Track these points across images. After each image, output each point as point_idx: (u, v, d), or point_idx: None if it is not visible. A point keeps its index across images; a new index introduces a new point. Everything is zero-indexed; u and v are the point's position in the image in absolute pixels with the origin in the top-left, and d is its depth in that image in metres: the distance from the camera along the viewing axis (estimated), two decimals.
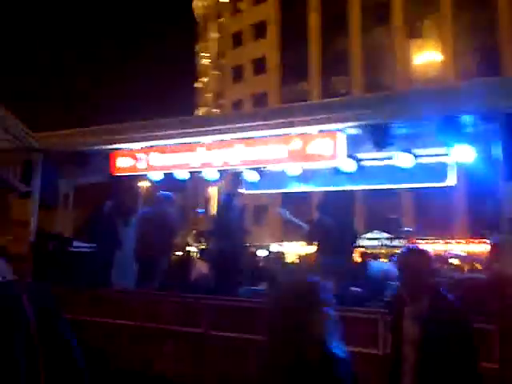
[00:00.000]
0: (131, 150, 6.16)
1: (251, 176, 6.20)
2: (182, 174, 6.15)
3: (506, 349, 3.79)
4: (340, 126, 5.04)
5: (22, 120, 5.96)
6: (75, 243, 6.46)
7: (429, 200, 26.70)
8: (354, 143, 5.34)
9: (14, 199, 5.29)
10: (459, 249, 23.22)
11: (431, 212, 28.30)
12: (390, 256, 15.69)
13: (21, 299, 1.71)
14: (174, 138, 5.82)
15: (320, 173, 6.52)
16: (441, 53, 32.80)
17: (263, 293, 5.91)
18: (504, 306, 3.86)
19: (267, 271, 8.12)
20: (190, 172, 6.09)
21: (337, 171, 6.03)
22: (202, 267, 8.80)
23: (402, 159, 5.69)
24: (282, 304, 2.15)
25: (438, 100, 4.81)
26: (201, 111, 49.78)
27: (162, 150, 6.00)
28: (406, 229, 25.90)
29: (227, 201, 6.57)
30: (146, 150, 6.07)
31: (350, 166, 5.79)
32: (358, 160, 6.05)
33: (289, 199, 13.01)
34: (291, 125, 5.18)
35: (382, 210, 29.72)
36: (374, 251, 21.58)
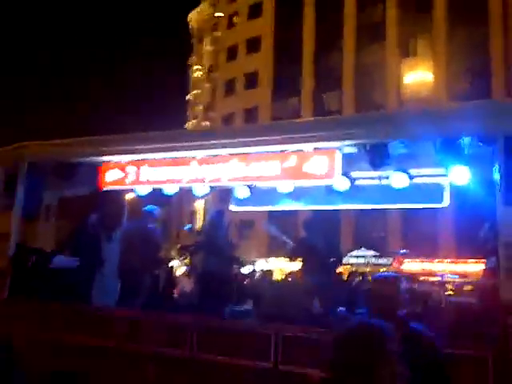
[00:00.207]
0: (120, 162, 5.96)
1: (242, 192, 6.05)
2: (171, 189, 5.97)
3: (503, 377, 3.66)
4: (337, 144, 4.91)
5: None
6: (56, 258, 6.22)
7: (416, 219, 26.74)
8: (348, 162, 5.22)
9: None
10: (449, 268, 23.23)
11: (419, 231, 28.33)
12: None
13: None
14: (165, 151, 5.64)
15: (312, 191, 6.40)
16: (433, 72, 33.12)
17: (249, 313, 5.75)
18: (504, 334, 3.72)
19: (253, 289, 7.96)
20: (180, 188, 5.92)
21: (330, 190, 5.92)
22: (185, 284, 8.60)
23: (397, 179, 5.59)
24: (345, 359, 1.83)
25: (436, 121, 4.71)
26: (190, 124, 49.71)
27: (152, 163, 5.81)
28: (402, 251, 25.69)
29: (217, 218, 6.41)
30: (136, 164, 5.87)
31: (344, 185, 5.68)
32: (353, 179, 5.95)
33: (275, 215, 12.87)
34: (287, 141, 5.04)
35: (369, 227, 29.73)
36: (360, 269, 21.53)
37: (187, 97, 53.18)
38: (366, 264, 26.41)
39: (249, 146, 5.27)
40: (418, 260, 25.79)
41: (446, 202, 6.23)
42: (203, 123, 45.76)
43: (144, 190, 6.05)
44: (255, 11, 41.67)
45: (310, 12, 38.40)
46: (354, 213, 18.58)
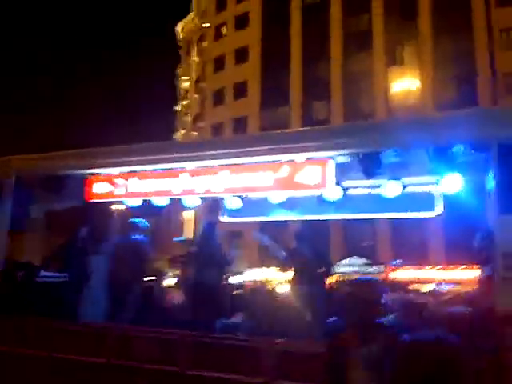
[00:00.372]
0: (109, 175, 5.86)
1: (233, 203, 5.98)
2: (161, 201, 5.88)
3: None
4: (330, 153, 4.86)
5: None
6: (43, 273, 6.10)
7: (406, 227, 26.79)
8: (340, 171, 5.18)
9: None
10: (440, 276, 23.23)
11: (408, 239, 28.37)
12: None
13: None
14: (154, 163, 5.56)
15: (303, 201, 6.35)
16: (420, 80, 33.41)
17: (240, 326, 5.65)
18: (502, 345, 3.67)
19: (243, 301, 7.85)
20: (171, 199, 5.83)
21: (321, 199, 5.88)
22: (176, 296, 8.46)
23: (390, 188, 5.56)
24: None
25: (429, 129, 4.69)
26: (179, 134, 49.62)
27: (142, 175, 5.72)
28: (397, 261, 25.65)
29: (209, 230, 6.33)
30: (125, 176, 5.78)
31: (336, 195, 5.64)
32: (345, 188, 5.92)
33: (264, 225, 12.79)
34: (279, 152, 4.98)
35: (359, 236, 29.75)
36: (351, 278, 21.46)
37: (175, 107, 53.12)
38: (357, 273, 26.37)
39: (240, 156, 5.21)
40: (408, 268, 25.71)
41: (438, 210, 6.21)
42: (192, 133, 45.68)
43: (134, 201, 5.95)
44: (242, 22, 41.83)
45: (297, 21, 38.64)
46: (343, 221, 18.57)
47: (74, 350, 5.11)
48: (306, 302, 5.73)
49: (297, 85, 37.59)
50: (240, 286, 13.17)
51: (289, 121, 36.20)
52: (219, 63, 42.93)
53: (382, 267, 27.63)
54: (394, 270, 25.97)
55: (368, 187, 6.20)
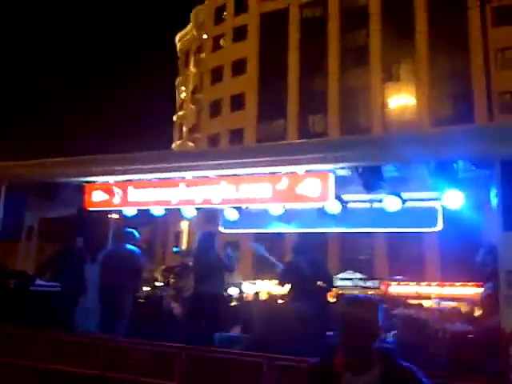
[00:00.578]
0: (106, 183, 5.78)
1: (231, 214, 5.91)
2: (158, 211, 5.80)
3: None
4: (330, 166, 4.81)
5: None
6: (38, 282, 5.98)
7: (403, 241, 26.74)
8: (340, 184, 5.13)
9: None
10: (437, 292, 23.09)
11: (405, 253, 28.30)
12: None
13: None
14: (152, 172, 5.49)
15: (303, 213, 6.29)
16: (416, 97, 33.58)
17: (238, 340, 5.56)
18: (506, 364, 3.59)
19: (241, 313, 7.75)
20: (167, 209, 5.75)
21: (320, 212, 5.81)
22: (172, 308, 8.33)
23: (390, 202, 5.51)
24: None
25: (430, 145, 4.65)
26: (175, 145, 49.55)
27: (140, 185, 5.64)
28: (397, 277, 25.34)
29: (207, 240, 6.24)
30: (122, 185, 5.70)
31: (336, 208, 5.58)
32: (344, 202, 5.86)
33: (261, 237, 12.70)
34: (278, 163, 4.93)
35: (355, 249, 29.68)
36: (347, 292, 21.27)
37: (174, 118, 53.15)
38: (354, 287, 26.22)
39: (239, 167, 5.15)
40: (406, 283, 25.49)
41: (439, 226, 6.16)
42: (188, 144, 45.64)
43: (131, 210, 5.88)
44: (240, 34, 42.04)
45: (295, 35, 38.85)
46: (340, 234, 18.50)
47: (68, 362, 5.00)
48: (302, 317, 5.63)
49: (294, 98, 37.70)
50: (237, 298, 13.04)
51: (285, 134, 36.24)
52: (216, 75, 43.05)
53: (377, 282, 27.48)
54: (390, 284, 25.80)
55: (368, 201, 6.16)
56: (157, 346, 4.85)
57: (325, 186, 4.88)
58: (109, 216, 6.95)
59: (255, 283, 28.61)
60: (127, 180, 5.69)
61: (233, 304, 10.21)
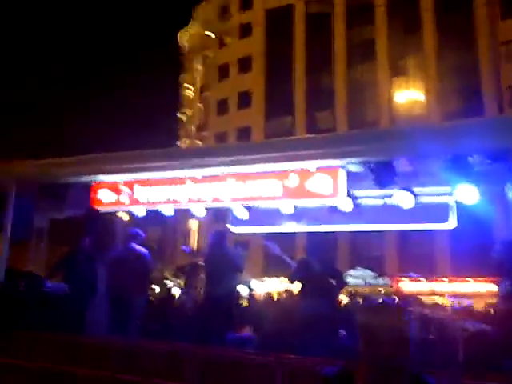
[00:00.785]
0: (114, 182, 5.72)
1: (241, 213, 5.83)
2: (168, 210, 5.73)
3: None
4: (341, 162, 4.72)
5: None
6: (48, 283, 5.94)
7: (414, 237, 26.51)
8: (351, 180, 5.04)
9: None
10: (450, 288, 22.78)
11: (416, 249, 28.06)
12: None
13: None
14: (160, 170, 5.42)
15: (313, 211, 6.19)
16: (424, 91, 33.31)
17: (250, 341, 5.48)
18: None
19: (252, 313, 7.68)
20: (177, 208, 5.68)
21: (331, 210, 5.72)
22: (184, 307, 8.27)
23: (403, 198, 5.40)
24: None
25: (445, 138, 4.55)
26: (182, 143, 49.56)
27: (148, 183, 5.58)
28: (410, 274, 24.97)
29: (218, 240, 6.16)
30: (130, 184, 5.64)
31: (347, 205, 5.47)
32: (355, 198, 5.76)
33: (272, 235, 12.58)
34: (288, 159, 4.84)
35: (365, 246, 29.50)
36: (358, 290, 21.05)
37: (179, 116, 53.10)
38: (365, 284, 25.97)
39: (248, 164, 5.07)
40: (417, 279, 25.06)
41: (453, 222, 6.03)
42: (196, 142, 45.62)
43: (140, 210, 5.82)
44: (246, 31, 41.91)
45: (301, 31, 38.66)
46: (350, 231, 18.33)
47: (78, 364, 4.95)
48: (314, 315, 5.55)
49: (301, 94, 37.54)
50: (247, 296, 12.97)
51: (293, 130, 36.09)
52: (223, 72, 42.96)
53: (388, 279, 27.21)
54: (400, 281, 25.50)
55: (380, 197, 6.04)
56: (167, 347, 4.78)
57: (336, 182, 4.79)
58: (118, 216, 6.89)
59: (265, 281, 28.51)
60: (136, 179, 5.63)
61: (243, 303, 10.14)
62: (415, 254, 28.03)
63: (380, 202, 6.07)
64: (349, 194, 5.42)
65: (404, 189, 5.38)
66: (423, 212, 5.90)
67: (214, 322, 5.51)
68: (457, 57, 31.94)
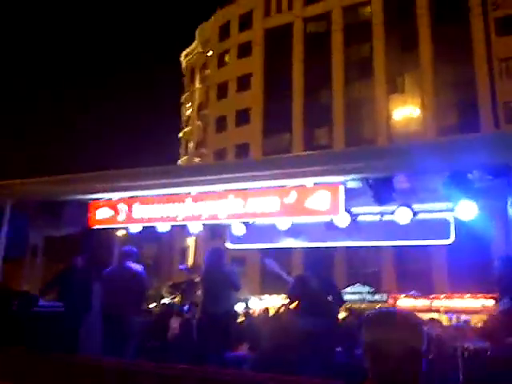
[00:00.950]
0: (110, 200, 5.66)
1: (238, 230, 5.77)
2: (164, 227, 5.67)
3: None
4: (340, 178, 4.67)
5: None
6: (41, 302, 5.83)
7: (411, 253, 26.43)
8: (349, 197, 4.99)
9: None
10: (446, 304, 22.66)
11: (413, 265, 27.95)
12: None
13: None
14: (158, 188, 5.36)
15: (311, 228, 6.14)
16: (421, 107, 33.48)
17: (246, 360, 5.38)
18: None
19: (248, 331, 7.58)
20: (173, 225, 5.62)
21: (329, 226, 5.67)
22: (177, 325, 8.13)
23: (402, 215, 5.36)
24: None
25: (444, 154, 4.51)
26: (181, 161, 49.63)
27: (145, 201, 5.52)
28: (412, 292, 24.86)
29: (216, 257, 6.09)
30: (127, 201, 5.58)
31: (346, 221, 5.43)
32: (354, 215, 5.72)
33: (269, 251, 12.51)
34: (286, 176, 4.79)
35: (362, 262, 29.36)
36: (355, 306, 20.93)
37: (179, 134, 53.29)
38: (362, 300, 25.83)
39: (246, 181, 5.02)
40: (414, 296, 24.98)
41: (451, 238, 6.00)
42: (194, 159, 45.70)
43: (136, 227, 5.75)
44: (245, 50, 42.29)
45: (299, 50, 39.02)
46: (348, 247, 18.25)
47: None
48: (311, 332, 5.46)
49: (299, 111, 37.73)
50: (244, 314, 12.81)
51: (291, 147, 36.20)
52: (222, 90, 43.22)
53: (385, 295, 27.10)
54: (398, 298, 25.38)
55: (378, 214, 6.00)
56: (163, 368, 4.68)
57: (334, 198, 4.74)
58: (114, 233, 6.83)
59: (262, 299, 28.29)
60: (133, 196, 5.57)
61: (240, 320, 10.02)
62: (413, 270, 27.91)
63: (378, 218, 6.03)
64: (347, 211, 5.38)
65: (403, 205, 5.35)
66: (421, 228, 5.86)
67: (211, 341, 5.41)
68: (453, 72, 32.20)
